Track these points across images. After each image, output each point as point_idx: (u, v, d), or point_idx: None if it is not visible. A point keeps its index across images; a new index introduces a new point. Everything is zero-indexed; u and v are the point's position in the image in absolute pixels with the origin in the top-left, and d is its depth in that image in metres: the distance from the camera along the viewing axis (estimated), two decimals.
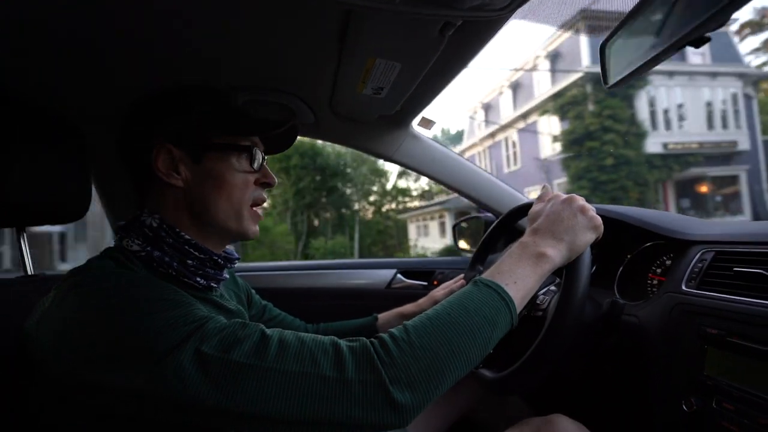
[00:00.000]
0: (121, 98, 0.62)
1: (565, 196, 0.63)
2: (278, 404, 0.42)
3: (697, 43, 0.44)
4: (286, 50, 0.77)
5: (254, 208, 0.65)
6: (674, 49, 0.49)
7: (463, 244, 1.42)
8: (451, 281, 0.96)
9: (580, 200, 0.62)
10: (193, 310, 0.47)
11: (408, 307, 0.94)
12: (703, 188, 11.74)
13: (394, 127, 1.10)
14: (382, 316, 0.93)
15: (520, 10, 0.62)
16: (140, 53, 0.74)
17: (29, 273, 0.76)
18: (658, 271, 0.79)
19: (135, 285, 0.47)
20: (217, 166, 0.60)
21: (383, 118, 1.04)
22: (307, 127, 1.08)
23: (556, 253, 0.57)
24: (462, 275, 0.97)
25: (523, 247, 0.58)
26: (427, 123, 1.15)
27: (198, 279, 0.59)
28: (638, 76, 0.59)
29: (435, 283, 1.31)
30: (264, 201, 0.66)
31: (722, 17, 0.42)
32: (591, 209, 0.61)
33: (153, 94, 0.62)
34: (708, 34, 0.43)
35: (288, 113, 0.99)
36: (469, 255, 1.41)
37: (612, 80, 0.61)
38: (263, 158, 0.65)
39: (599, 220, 0.61)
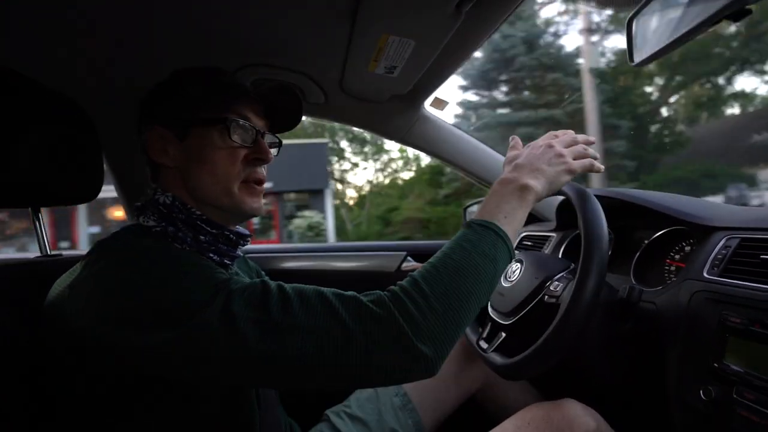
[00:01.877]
0: (131, 80, 0.61)
1: (543, 141, 0.65)
2: (303, 358, 0.44)
3: (737, 16, 0.41)
4: (296, 27, 0.75)
5: (252, 185, 0.63)
6: (709, 23, 0.46)
7: None
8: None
9: (557, 146, 0.63)
10: (216, 273, 0.49)
11: None
12: None
13: (406, 108, 1.08)
14: None
15: None
16: (150, 33, 0.73)
17: (47, 253, 0.77)
18: (677, 257, 0.77)
19: (160, 251, 0.49)
20: (199, 143, 0.59)
21: (395, 98, 1.02)
22: (317, 108, 1.06)
23: (536, 183, 0.59)
24: None
25: (504, 183, 0.59)
26: (439, 103, 1.12)
27: (211, 255, 0.59)
28: (667, 53, 0.56)
29: None
30: (258, 178, 0.63)
31: None
32: (566, 155, 0.63)
33: (159, 83, 0.63)
34: (749, 6, 0.40)
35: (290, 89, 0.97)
36: None
37: (638, 57, 0.58)
38: (258, 133, 0.63)
39: (573, 165, 0.62)
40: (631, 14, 0.58)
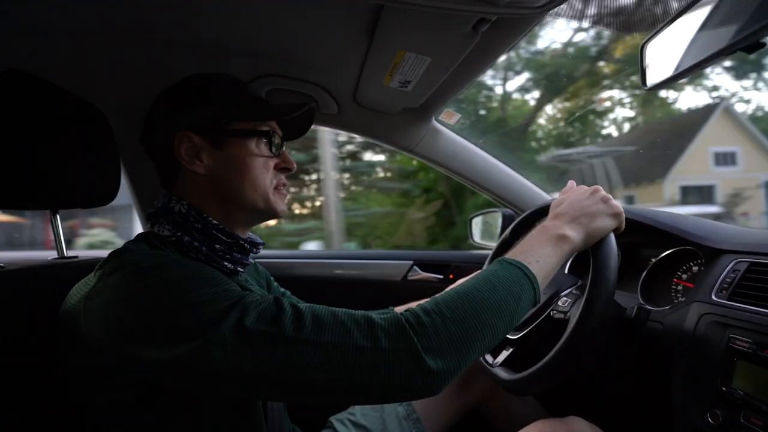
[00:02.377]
0: (148, 87, 0.63)
1: (588, 187, 0.66)
2: (315, 374, 0.44)
3: (751, 49, 0.42)
4: (315, 41, 0.77)
5: (283, 189, 0.67)
6: (722, 54, 0.47)
7: (477, 238, 1.42)
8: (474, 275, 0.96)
9: (603, 191, 0.65)
10: (230, 287, 0.49)
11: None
12: None
13: (417, 120, 1.09)
14: (398, 310, 0.93)
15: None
16: (166, 42, 0.75)
17: (63, 255, 0.78)
18: (684, 276, 0.78)
19: (173, 265, 0.49)
20: (238, 152, 0.61)
21: (406, 110, 1.03)
22: (329, 118, 1.07)
23: (575, 235, 0.59)
24: (488, 259, 0.96)
25: (543, 229, 0.61)
26: (450, 116, 1.13)
27: (225, 263, 0.61)
28: (679, 80, 0.57)
29: (451, 276, 1.31)
30: (286, 186, 0.68)
31: None
32: (612, 199, 0.64)
33: (175, 85, 0.63)
34: (764, 40, 0.41)
35: (305, 98, 0.99)
36: (483, 249, 1.40)
37: (651, 82, 0.59)
38: (282, 143, 0.67)
39: (620, 208, 0.63)
40: (644, 40, 0.59)
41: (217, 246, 0.60)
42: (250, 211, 0.64)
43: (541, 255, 0.57)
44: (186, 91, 0.62)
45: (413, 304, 0.92)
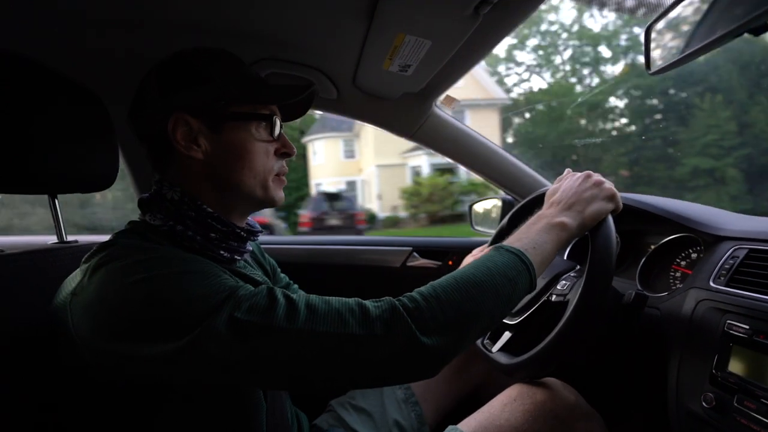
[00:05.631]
0: (145, 70, 0.61)
1: (580, 173, 0.67)
2: (311, 364, 0.45)
3: (758, 31, 0.42)
4: (313, 23, 0.75)
5: (282, 177, 0.64)
6: (729, 37, 0.46)
7: (477, 225, 1.42)
8: (478, 249, 0.96)
9: (596, 175, 0.65)
10: (222, 279, 0.48)
11: None
12: None
13: (417, 105, 1.08)
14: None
15: None
16: (163, 25, 0.73)
17: (63, 240, 0.78)
18: (683, 263, 0.78)
19: (162, 259, 0.47)
20: (238, 136, 0.58)
21: (406, 95, 1.02)
22: (328, 103, 1.06)
23: (571, 221, 0.60)
24: (485, 245, 0.97)
25: (540, 217, 0.62)
26: (450, 101, 1.12)
27: (221, 252, 0.59)
28: (683, 64, 0.56)
29: (450, 263, 1.31)
30: (286, 172, 0.65)
31: None
32: (606, 182, 0.65)
33: (166, 61, 0.58)
34: None
35: (304, 83, 0.97)
36: (483, 236, 1.40)
37: (654, 67, 0.58)
38: (281, 127, 0.64)
39: (613, 190, 0.64)
40: (650, 22, 0.58)
41: (212, 235, 0.58)
42: (246, 199, 0.61)
43: (538, 242, 0.57)
44: (181, 69, 0.57)
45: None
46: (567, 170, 0.73)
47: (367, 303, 0.48)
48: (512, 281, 0.52)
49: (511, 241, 0.58)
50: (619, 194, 0.65)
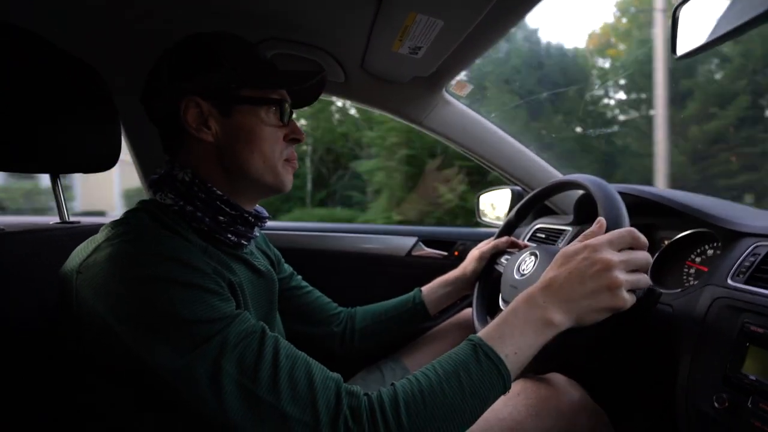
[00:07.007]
0: (148, 48, 0.60)
1: (603, 256, 0.52)
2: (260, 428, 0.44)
3: None
4: (320, 1, 0.73)
5: (291, 162, 0.64)
6: (760, 20, 0.43)
7: (484, 216, 1.39)
8: (483, 243, 0.94)
9: (617, 271, 0.51)
10: (222, 304, 0.48)
11: (452, 274, 0.92)
12: None
13: (427, 90, 1.05)
14: (426, 289, 0.92)
15: None
16: (167, 2, 0.71)
17: (66, 220, 0.78)
18: (698, 259, 0.75)
19: (169, 260, 0.47)
20: (247, 120, 0.58)
21: (416, 80, 0.99)
22: (337, 87, 1.04)
23: (564, 320, 0.52)
24: (491, 239, 0.95)
25: (530, 304, 0.53)
26: (462, 87, 1.09)
27: (229, 236, 0.59)
28: (711, 48, 0.53)
29: (456, 254, 1.30)
30: (295, 158, 0.65)
31: None
32: (618, 265, 0.52)
33: (180, 44, 0.59)
34: None
35: (316, 67, 0.95)
36: (490, 227, 1.38)
37: (681, 50, 0.55)
38: (291, 113, 0.64)
39: (621, 279, 0.51)
40: (678, 3, 0.55)
41: (221, 218, 0.58)
42: (256, 184, 0.61)
43: (521, 344, 0.51)
44: (193, 53, 0.58)
45: (440, 280, 0.90)
46: (598, 220, 0.58)
47: (344, 398, 0.47)
48: (484, 401, 0.49)
49: (492, 334, 0.52)
50: (630, 281, 0.52)
